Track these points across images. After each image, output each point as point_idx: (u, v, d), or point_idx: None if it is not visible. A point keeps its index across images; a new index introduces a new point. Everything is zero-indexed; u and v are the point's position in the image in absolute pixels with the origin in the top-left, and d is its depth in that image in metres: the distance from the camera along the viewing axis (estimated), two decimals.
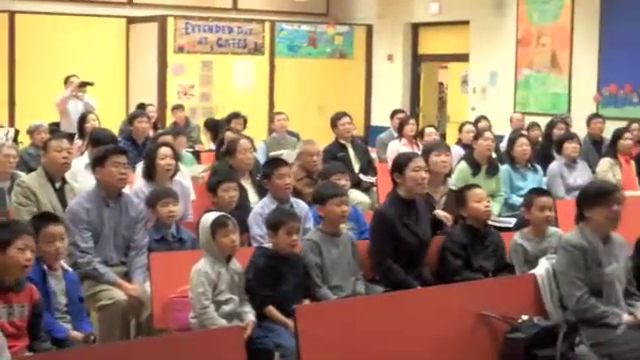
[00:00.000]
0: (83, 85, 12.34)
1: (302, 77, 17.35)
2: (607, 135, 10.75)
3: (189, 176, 8.28)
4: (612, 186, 5.56)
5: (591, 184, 5.67)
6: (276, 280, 5.57)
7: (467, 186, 6.72)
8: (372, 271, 6.24)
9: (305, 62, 17.67)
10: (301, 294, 5.65)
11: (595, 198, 5.36)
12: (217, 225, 5.42)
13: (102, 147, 6.96)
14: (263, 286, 5.54)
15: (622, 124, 11.26)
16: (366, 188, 9.76)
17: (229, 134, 9.91)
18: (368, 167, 10.17)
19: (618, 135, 9.91)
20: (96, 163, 6.38)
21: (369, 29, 18.33)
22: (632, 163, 9.87)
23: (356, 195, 8.95)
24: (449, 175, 7.69)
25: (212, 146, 11.77)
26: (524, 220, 6.59)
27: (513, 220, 8.05)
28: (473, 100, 16.57)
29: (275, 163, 7.03)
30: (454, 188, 7.27)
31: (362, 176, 9.87)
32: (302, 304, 5.39)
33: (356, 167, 10.00)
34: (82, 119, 10.51)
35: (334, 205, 6.08)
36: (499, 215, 8.62)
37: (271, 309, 5.50)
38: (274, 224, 5.66)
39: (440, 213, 6.71)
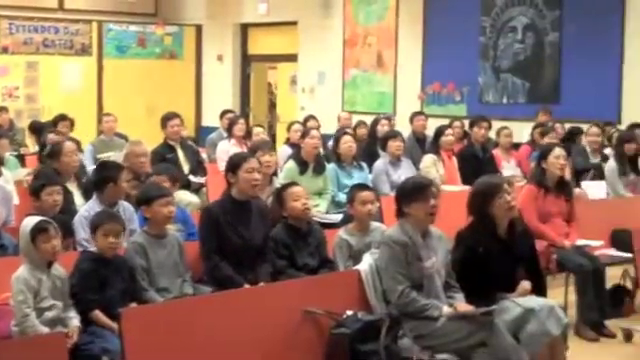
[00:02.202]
0: None
1: (131, 78, 17.14)
2: (431, 132, 11.04)
3: (12, 180, 8.07)
4: (428, 181, 5.70)
5: (408, 180, 5.78)
6: (101, 284, 5.49)
7: (285, 185, 6.73)
8: (200, 272, 6.22)
9: (134, 63, 17.48)
10: (128, 298, 5.58)
11: (412, 194, 5.49)
12: (37, 230, 5.30)
13: None
14: (88, 290, 5.45)
15: (445, 122, 11.61)
16: (196, 189, 9.72)
17: (52, 137, 9.71)
18: (198, 168, 10.14)
19: (440, 132, 10.20)
20: None
21: (198, 29, 18.28)
22: (454, 159, 10.17)
23: (185, 196, 8.91)
24: (275, 175, 7.74)
25: (37, 149, 11.48)
26: (349, 216, 6.70)
27: (340, 217, 8.19)
28: (302, 100, 16.75)
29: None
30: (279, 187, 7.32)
31: (192, 177, 9.83)
32: (128, 307, 5.32)
33: (186, 168, 9.95)
34: None
35: (160, 206, 6.04)
36: (326, 212, 8.77)
37: (97, 313, 5.41)
38: (93, 226, 5.61)
39: None
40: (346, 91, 16.24)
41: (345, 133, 9.84)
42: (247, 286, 5.87)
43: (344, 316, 5.18)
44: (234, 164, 6.33)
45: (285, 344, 5.15)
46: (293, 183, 6.79)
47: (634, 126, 11.29)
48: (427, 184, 5.59)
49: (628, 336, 7.09)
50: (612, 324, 7.26)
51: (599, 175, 10.07)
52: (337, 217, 8.30)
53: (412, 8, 15.10)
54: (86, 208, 6.72)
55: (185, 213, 7.14)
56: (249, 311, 5.10)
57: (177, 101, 16.15)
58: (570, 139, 11.58)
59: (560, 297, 7.27)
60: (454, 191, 8.77)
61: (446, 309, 5.36)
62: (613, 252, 7.75)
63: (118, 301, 5.41)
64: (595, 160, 10.54)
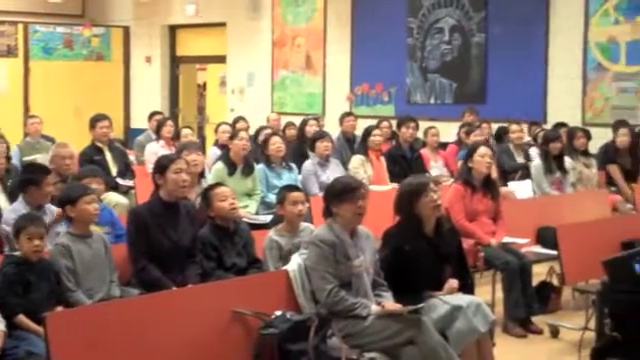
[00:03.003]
0: None
1: (58, 80, 16.94)
2: (360, 133, 11.08)
3: None
4: (357, 182, 5.72)
5: (336, 181, 5.79)
6: (26, 288, 5.41)
7: (211, 186, 6.70)
8: (128, 275, 6.17)
9: (61, 64, 17.28)
10: (53, 300, 5.51)
11: (341, 194, 5.51)
12: None
13: None
14: (13, 295, 5.37)
15: (374, 122, 11.66)
16: (125, 191, 9.64)
17: None
18: (126, 170, 10.06)
19: (368, 133, 10.24)
20: None
21: (126, 31, 18.13)
22: (382, 159, 10.22)
23: (113, 197, 8.83)
24: (202, 175, 7.70)
25: None
26: (279, 217, 6.70)
27: (269, 217, 8.20)
28: (232, 101, 16.72)
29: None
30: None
31: (120, 179, 9.75)
32: (53, 311, 5.26)
33: (114, 170, 9.87)
34: None
35: (85, 204, 5.96)
36: (256, 213, 8.77)
37: (21, 318, 5.33)
38: (16, 230, 5.55)
39: None
40: (275, 92, 16.25)
41: (274, 134, 9.81)
42: (175, 288, 5.83)
43: (273, 316, 5.17)
44: (161, 165, 6.29)
45: (214, 345, 5.13)
46: (219, 184, 6.78)
47: (559, 125, 11.51)
48: (356, 185, 5.61)
49: (554, 332, 7.22)
50: (539, 320, 7.38)
51: (527, 174, 10.21)
52: (267, 218, 8.32)
53: (340, 10, 15.17)
54: (10, 209, 6.64)
55: (113, 215, 7.08)
56: (177, 313, 5.07)
57: (105, 103, 15.98)
58: (499, 139, 11.75)
59: (488, 294, 7.37)
60: (382, 191, 8.82)
61: (374, 308, 5.39)
62: (539, 249, 7.89)
63: (43, 304, 5.35)
64: (519, 158, 10.69)
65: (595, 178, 10.37)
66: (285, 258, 6.06)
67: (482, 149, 7.68)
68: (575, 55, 12.85)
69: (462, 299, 5.61)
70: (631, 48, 12.51)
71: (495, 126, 12.10)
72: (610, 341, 5.24)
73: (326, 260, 5.39)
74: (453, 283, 5.82)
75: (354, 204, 5.49)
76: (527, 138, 11.66)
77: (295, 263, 5.61)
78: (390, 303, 5.46)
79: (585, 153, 10.43)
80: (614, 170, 10.55)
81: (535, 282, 7.75)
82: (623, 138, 10.67)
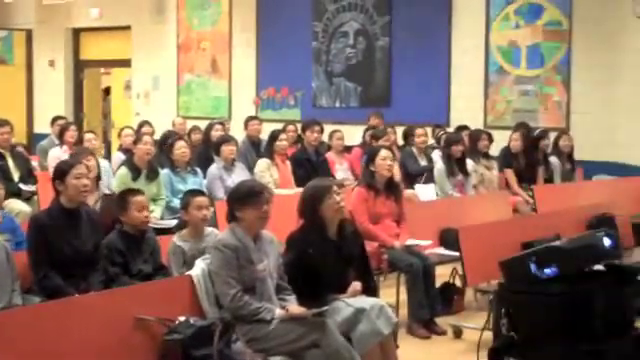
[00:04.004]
0: None
1: None
2: (266, 137, 11.08)
3: None
4: (260, 186, 5.73)
5: (240, 185, 5.80)
6: None
7: (130, 191, 6.60)
8: (29, 282, 6.08)
9: None
10: None
11: (245, 198, 5.52)
12: None
13: None
14: None
15: (280, 126, 11.68)
16: (27, 198, 9.50)
17: None
18: (28, 176, 9.90)
19: (274, 136, 10.24)
20: None
21: (29, 34, 17.85)
22: (288, 163, 10.25)
23: (16, 205, 8.68)
24: (99, 179, 7.60)
25: None
26: (184, 222, 6.67)
27: (174, 222, 8.16)
28: (137, 105, 16.59)
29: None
30: (108, 192, 7.23)
31: (22, 185, 9.60)
32: None
33: (16, 176, 9.71)
34: None
35: None
36: (161, 218, 8.71)
37: None
38: None
39: None
40: (181, 96, 16.18)
41: (179, 138, 9.75)
42: (77, 295, 5.76)
43: (176, 322, 5.15)
44: (61, 171, 6.19)
45: (117, 352, 5.08)
46: (137, 191, 6.63)
47: (461, 128, 11.70)
48: (259, 189, 5.62)
49: (457, 333, 7.33)
50: (442, 321, 7.48)
51: (431, 177, 10.35)
52: (171, 222, 8.28)
53: (245, 13, 15.18)
54: None
55: (14, 222, 6.95)
56: (80, 320, 5.01)
57: (7, 108, 15.70)
58: (405, 141, 11.88)
59: (392, 296, 7.45)
60: (288, 195, 8.84)
61: (278, 312, 5.41)
62: (442, 251, 7.98)
63: None
64: (423, 161, 10.83)
65: (496, 180, 10.59)
66: (189, 263, 6.03)
67: (383, 152, 7.76)
68: (477, 59, 13.09)
69: (365, 302, 5.68)
70: (531, 52, 12.80)
71: (400, 129, 12.22)
72: (507, 341, 5.34)
73: (229, 265, 5.39)
74: (356, 286, 5.88)
75: (258, 208, 5.50)
76: (431, 141, 11.83)
77: (199, 268, 5.60)
78: (294, 307, 5.49)
79: (486, 155, 10.63)
80: (509, 174, 10.77)
81: (438, 283, 7.86)
82: (515, 142, 10.92)
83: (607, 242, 5.63)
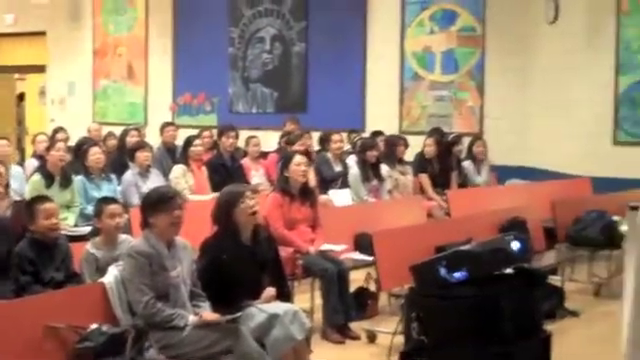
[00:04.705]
0: None
1: None
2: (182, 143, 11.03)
3: None
4: (172, 192, 5.72)
5: (152, 191, 5.78)
6: None
7: (38, 199, 6.51)
8: None
9: None
10: None
11: (157, 205, 5.50)
12: None
13: None
14: None
15: (197, 132, 11.65)
16: None
17: None
18: None
19: (189, 142, 10.20)
20: None
21: None
22: (203, 169, 10.20)
23: None
24: (7, 186, 7.49)
25: None
26: (97, 229, 6.60)
27: (88, 229, 8.07)
28: (52, 111, 16.38)
29: None
30: (18, 199, 7.13)
31: None
32: None
33: None
34: None
35: None
36: (75, 225, 8.61)
37: None
38: None
39: None
40: (97, 102, 16.02)
41: (94, 144, 9.66)
42: None
43: (88, 330, 5.11)
44: None
45: None
46: (45, 198, 6.55)
47: (376, 133, 11.80)
48: (171, 195, 5.61)
49: (371, 337, 7.38)
50: (357, 326, 7.52)
51: (346, 182, 10.40)
52: (86, 230, 8.18)
53: (161, 19, 15.11)
54: None
55: None
56: None
57: None
58: (321, 147, 11.91)
59: (307, 302, 7.48)
60: (203, 200, 8.82)
61: (192, 318, 5.40)
62: (357, 256, 8.00)
63: None
64: (338, 167, 10.87)
65: (411, 185, 10.70)
66: (102, 270, 5.98)
67: (297, 158, 7.79)
68: (392, 65, 13.22)
69: (279, 307, 5.70)
70: (446, 57, 12.96)
71: (316, 134, 12.28)
72: (417, 345, 5.41)
73: (142, 272, 5.37)
74: (270, 291, 5.90)
75: (170, 214, 5.49)
76: (347, 146, 11.89)
77: (112, 275, 5.56)
78: (208, 313, 5.49)
79: (401, 161, 10.73)
80: (424, 179, 10.90)
81: (353, 288, 7.92)
82: (429, 148, 11.05)
83: (516, 246, 5.74)
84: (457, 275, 5.35)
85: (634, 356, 5.15)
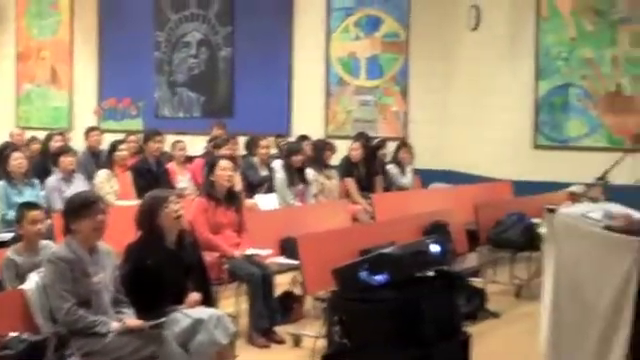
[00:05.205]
0: None
1: None
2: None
3: None
4: (94, 197, 5.68)
5: (74, 196, 5.73)
6: None
7: None
8: None
9: None
10: None
11: (79, 210, 5.46)
12: None
13: None
14: None
15: (123, 136, 11.58)
16: None
17: None
18: None
19: (114, 147, 10.15)
20: None
21: None
22: (128, 174, 10.14)
23: None
24: None
25: None
26: (20, 235, 6.54)
27: (11, 235, 7.98)
28: None
29: None
30: None
31: None
32: None
33: None
34: None
35: None
36: None
37: None
38: None
39: None
40: (20, 106, 15.81)
41: (15, 149, 9.55)
42: None
43: (8, 337, 5.05)
44: None
45: None
46: None
47: (302, 138, 11.85)
48: (93, 200, 5.57)
49: (297, 341, 7.41)
50: (282, 330, 7.54)
51: (271, 187, 10.43)
52: (7, 236, 8.08)
53: (86, 23, 14.98)
54: None
55: None
56: None
57: None
58: (248, 151, 11.92)
59: (232, 306, 7.49)
60: (128, 206, 8.77)
61: (115, 325, 5.36)
62: (282, 260, 8.02)
63: None
64: (264, 171, 10.90)
65: (336, 189, 10.76)
66: (23, 277, 5.92)
67: (223, 163, 7.81)
68: (318, 70, 13.30)
69: (204, 312, 5.69)
70: (370, 63, 13.07)
71: (242, 139, 12.29)
72: (339, 348, 5.45)
73: (63, 278, 5.31)
74: (194, 296, 5.90)
75: (93, 219, 5.44)
76: (273, 151, 11.92)
77: (33, 282, 5.50)
78: (131, 319, 5.46)
79: (327, 165, 10.79)
80: (349, 183, 10.97)
81: (279, 292, 7.95)
82: (356, 152, 11.12)
83: (436, 249, 5.83)
84: (378, 278, 5.40)
85: (552, 355, 5.28)
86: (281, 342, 7.42)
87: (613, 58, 11.12)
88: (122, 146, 10.16)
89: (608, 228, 5.04)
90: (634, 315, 4.94)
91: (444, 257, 5.96)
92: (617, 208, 5.41)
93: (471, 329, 6.31)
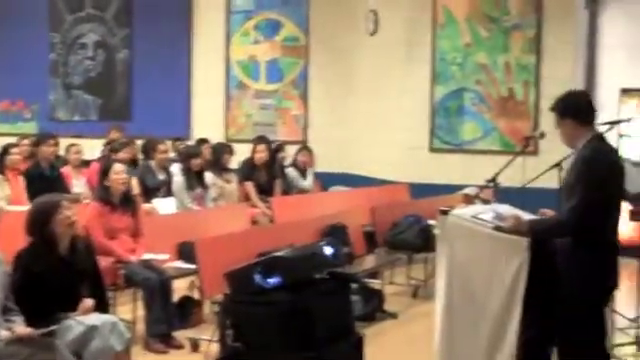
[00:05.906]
0: None
1: None
2: None
3: None
4: None
5: None
6: None
7: None
8: None
9: None
10: None
11: None
12: None
13: None
14: None
15: (15, 140, 11.36)
16: None
17: None
18: None
19: (6, 150, 9.94)
20: None
21: None
22: (21, 178, 9.94)
23: None
24: None
25: None
26: None
27: None
28: None
29: None
30: None
31: None
32: None
33: None
34: None
35: None
36: None
37: None
38: None
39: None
40: None
41: None
42: None
43: None
44: None
45: None
46: None
47: (201, 141, 11.79)
48: None
49: (195, 346, 7.36)
50: (181, 335, 7.49)
51: (169, 191, 10.33)
52: None
53: None
54: None
55: None
56: None
57: None
58: (146, 155, 11.78)
59: (129, 313, 7.41)
60: (20, 211, 8.59)
61: (4, 333, 5.25)
62: (180, 264, 7.98)
63: None
64: (161, 175, 10.79)
65: (236, 193, 10.72)
66: None
67: (117, 167, 7.73)
68: (218, 73, 13.27)
69: (98, 318, 5.62)
70: (270, 67, 13.10)
71: (140, 142, 12.16)
72: (232, 351, 5.44)
73: None
74: (88, 303, 5.80)
75: None
76: (172, 154, 11.82)
77: None
78: (21, 327, 5.35)
79: (226, 169, 10.75)
80: (249, 186, 10.94)
81: (178, 297, 7.89)
82: (261, 154, 11.09)
83: (329, 251, 5.86)
84: (271, 281, 5.41)
85: (446, 354, 5.35)
86: (179, 347, 7.38)
87: (506, 64, 11.36)
88: (14, 150, 9.95)
89: (498, 229, 5.13)
90: (522, 314, 5.04)
91: (338, 259, 5.99)
92: (507, 209, 5.51)
93: (369, 330, 6.38)
